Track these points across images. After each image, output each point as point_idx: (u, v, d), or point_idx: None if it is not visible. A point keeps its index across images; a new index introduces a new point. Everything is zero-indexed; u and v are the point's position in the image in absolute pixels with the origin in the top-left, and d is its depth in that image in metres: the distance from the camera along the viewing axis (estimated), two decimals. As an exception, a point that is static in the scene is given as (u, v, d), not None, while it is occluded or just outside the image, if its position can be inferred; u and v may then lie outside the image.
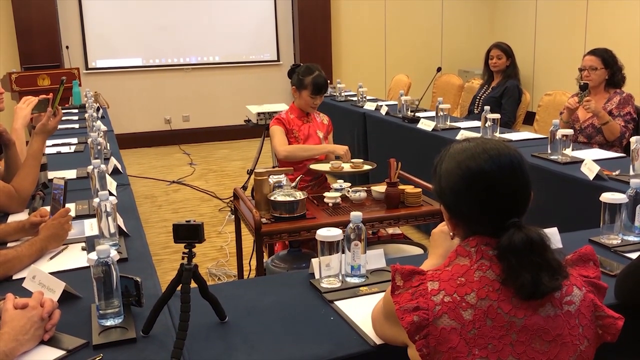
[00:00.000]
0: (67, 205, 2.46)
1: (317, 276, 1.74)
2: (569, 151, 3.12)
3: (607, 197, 1.96)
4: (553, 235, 1.86)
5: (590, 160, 2.82)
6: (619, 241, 1.98)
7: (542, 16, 7.89)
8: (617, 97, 3.66)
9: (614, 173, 2.78)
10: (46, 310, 1.40)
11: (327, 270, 1.71)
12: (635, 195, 1.99)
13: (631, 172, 2.73)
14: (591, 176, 2.74)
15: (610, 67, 3.68)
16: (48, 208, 2.37)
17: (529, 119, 5.04)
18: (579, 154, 3.18)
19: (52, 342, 1.40)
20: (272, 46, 8.05)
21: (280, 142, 3.37)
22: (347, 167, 3.24)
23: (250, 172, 5.02)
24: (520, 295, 1.16)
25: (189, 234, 1.39)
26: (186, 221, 1.40)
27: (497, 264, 1.18)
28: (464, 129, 3.99)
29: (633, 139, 2.73)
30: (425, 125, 4.21)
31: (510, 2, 8.41)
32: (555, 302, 1.18)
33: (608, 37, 6.59)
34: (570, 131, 3.16)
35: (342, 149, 3.36)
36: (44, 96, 2.86)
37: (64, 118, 5.08)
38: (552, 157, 3.14)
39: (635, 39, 6.49)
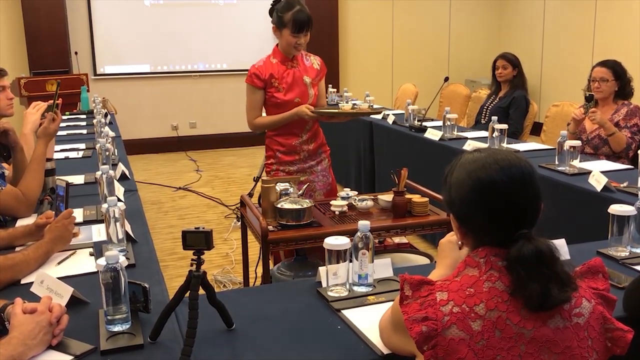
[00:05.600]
0: (74, 210, 2.47)
1: (324, 285, 1.74)
2: (576, 162, 3.11)
3: (615, 209, 1.96)
4: (561, 246, 1.85)
5: (598, 172, 2.81)
6: (627, 253, 1.97)
7: (549, 27, 7.89)
8: (625, 109, 3.66)
9: (621, 185, 2.77)
10: (54, 315, 1.40)
11: (334, 278, 1.71)
12: (644, 207, 1.98)
13: (639, 184, 2.72)
14: (599, 188, 2.73)
15: (620, 79, 3.68)
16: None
17: (536, 129, 5.03)
18: (586, 165, 3.17)
19: (60, 347, 1.40)
20: (280, 54, 8.06)
21: (250, 108, 3.09)
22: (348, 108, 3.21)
23: (256, 180, 5.03)
24: (529, 307, 1.15)
25: (197, 241, 1.40)
26: (195, 228, 1.40)
27: (506, 275, 1.18)
28: (471, 138, 3.99)
29: (641, 151, 2.72)
30: (432, 134, 4.21)
31: (518, 12, 8.42)
32: (564, 314, 1.17)
33: (615, 49, 6.58)
34: (578, 142, 3.15)
35: (304, 111, 3.02)
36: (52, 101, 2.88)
37: (72, 123, 5.11)
38: (559, 168, 3.13)
39: (643, 50, 6.48)
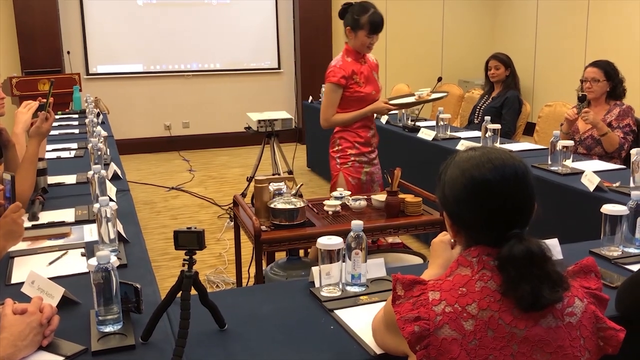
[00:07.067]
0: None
1: (317, 284, 1.73)
2: (569, 162, 3.12)
3: (608, 208, 1.96)
4: (553, 246, 1.86)
5: (590, 172, 2.82)
6: (620, 253, 1.98)
7: (542, 28, 7.91)
8: (617, 109, 3.67)
9: (614, 185, 2.78)
10: (45, 315, 1.39)
11: (327, 278, 1.70)
12: (636, 207, 1.98)
13: (631, 184, 2.73)
14: (591, 187, 2.74)
15: (612, 80, 3.68)
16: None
17: (529, 129, 5.05)
18: (579, 165, 3.18)
19: (50, 348, 1.39)
20: (273, 54, 8.06)
21: (330, 105, 3.26)
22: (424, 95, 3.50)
23: (249, 179, 5.02)
24: (520, 307, 1.15)
25: (189, 241, 1.39)
26: (187, 228, 1.39)
27: (498, 274, 1.18)
28: (464, 138, 4.00)
29: (633, 151, 2.73)
30: (426, 134, 4.21)
31: (511, 13, 8.44)
32: (556, 314, 1.17)
33: (608, 49, 6.61)
34: (570, 142, 3.17)
35: (384, 106, 3.32)
36: (44, 100, 2.87)
37: (64, 123, 5.09)
38: (552, 168, 3.14)
39: (635, 51, 6.51)
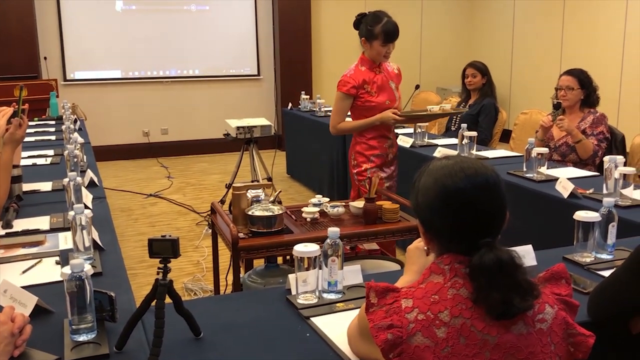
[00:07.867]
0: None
1: (293, 292, 1.73)
2: (544, 169, 3.16)
3: (580, 215, 1.99)
4: (527, 252, 1.88)
5: (564, 179, 2.86)
6: (592, 259, 2.01)
7: (519, 36, 8.02)
8: (591, 117, 3.72)
9: (587, 191, 2.82)
10: (17, 325, 1.37)
11: (303, 286, 1.70)
12: (608, 214, 2.02)
13: (604, 191, 2.77)
14: (565, 194, 2.78)
15: (586, 88, 3.74)
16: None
17: (506, 137, 5.11)
18: (554, 172, 3.22)
19: (22, 358, 1.37)
20: (253, 60, 8.06)
21: (338, 113, 3.33)
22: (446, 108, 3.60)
23: (228, 186, 5.01)
24: (491, 315, 1.16)
25: (164, 248, 1.38)
26: (161, 236, 1.39)
27: (470, 282, 1.19)
28: (442, 146, 4.03)
29: (606, 159, 2.77)
30: (403, 141, 4.24)
31: (488, 21, 8.54)
32: (527, 320, 1.19)
33: (583, 58, 6.72)
34: (545, 150, 3.21)
35: (390, 116, 3.30)
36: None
37: (40, 129, 5.03)
38: (527, 175, 3.18)
39: (608, 60, 6.63)
